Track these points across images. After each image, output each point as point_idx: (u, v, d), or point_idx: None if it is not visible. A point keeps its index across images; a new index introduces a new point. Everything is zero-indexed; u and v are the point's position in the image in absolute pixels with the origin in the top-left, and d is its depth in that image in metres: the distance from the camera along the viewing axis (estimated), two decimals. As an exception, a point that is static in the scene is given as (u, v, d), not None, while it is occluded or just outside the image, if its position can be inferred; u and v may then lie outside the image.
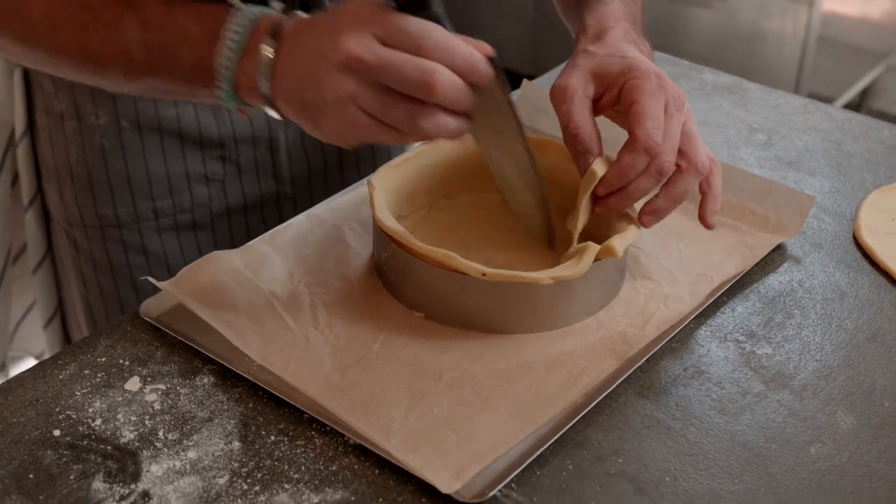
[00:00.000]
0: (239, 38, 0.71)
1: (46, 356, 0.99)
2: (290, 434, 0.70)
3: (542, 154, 0.91)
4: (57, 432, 0.70)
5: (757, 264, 0.87)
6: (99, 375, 0.75)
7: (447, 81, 0.67)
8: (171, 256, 1.02)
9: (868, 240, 0.90)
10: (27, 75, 1.00)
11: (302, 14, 0.73)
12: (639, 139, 0.75)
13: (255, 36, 0.71)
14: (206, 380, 0.75)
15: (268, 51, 0.70)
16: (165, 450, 0.69)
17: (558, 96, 0.79)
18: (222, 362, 0.75)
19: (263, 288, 0.82)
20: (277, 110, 0.72)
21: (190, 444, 0.69)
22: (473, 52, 0.69)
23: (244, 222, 1.06)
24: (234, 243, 1.04)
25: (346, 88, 0.67)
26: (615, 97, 0.78)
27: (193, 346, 0.77)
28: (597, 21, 0.84)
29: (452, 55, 0.68)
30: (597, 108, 0.80)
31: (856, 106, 2.90)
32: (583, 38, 0.84)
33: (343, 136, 0.70)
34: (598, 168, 0.77)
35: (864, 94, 2.91)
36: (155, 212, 1.01)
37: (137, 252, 1.01)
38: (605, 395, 0.73)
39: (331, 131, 0.70)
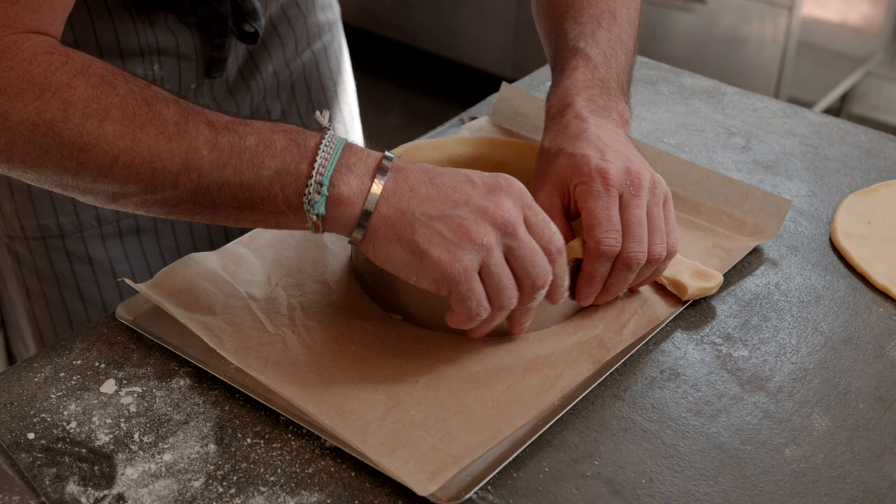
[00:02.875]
0: (334, 152, 0.69)
1: None
2: (267, 437, 0.70)
3: (520, 157, 0.91)
4: (31, 435, 0.70)
5: (734, 267, 0.88)
6: (74, 378, 0.74)
7: (545, 289, 0.72)
8: (117, 263, 1.01)
9: (844, 243, 0.91)
10: None
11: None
12: (590, 248, 0.77)
13: (351, 152, 0.70)
14: (182, 382, 0.75)
15: (387, 166, 0.70)
16: (141, 453, 0.69)
17: None
18: (199, 365, 0.75)
19: (241, 290, 0.81)
20: (364, 223, 0.70)
21: (165, 446, 0.69)
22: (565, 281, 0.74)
23: (188, 225, 1.05)
24: (178, 247, 1.03)
25: (488, 239, 0.69)
26: (576, 205, 0.79)
27: (170, 348, 0.77)
28: (557, 100, 0.86)
29: (560, 271, 0.73)
30: (572, 215, 0.81)
31: (835, 111, 2.92)
32: (545, 123, 0.86)
33: (437, 272, 0.69)
34: (576, 246, 0.78)
35: (844, 98, 2.92)
36: (98, 219, 1.00)
37: (82, 261, 1.00)
38: (581, 397, 0.73)
39: (430, 263, 0.69)
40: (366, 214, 0.69)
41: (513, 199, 0.70)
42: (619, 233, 0.77)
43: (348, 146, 0.70)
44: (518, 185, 0.72)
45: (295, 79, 1.07)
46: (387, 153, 0.71)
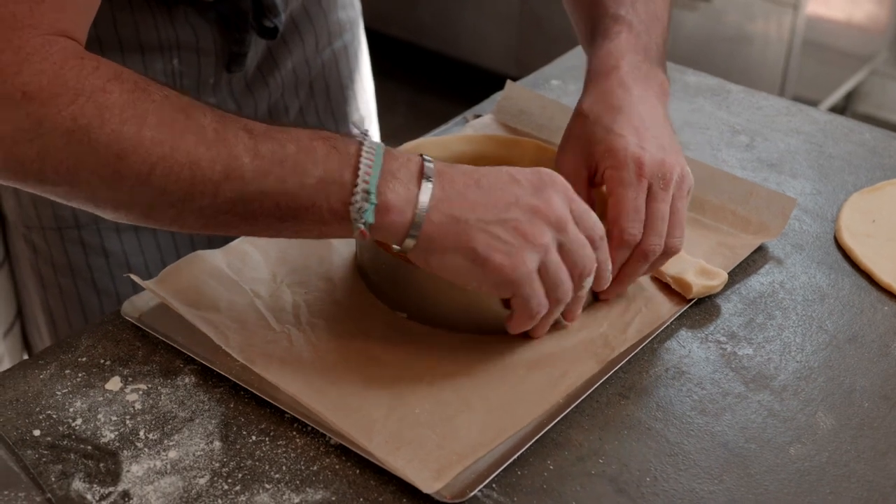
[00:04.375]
0: (376, 158, 0.68)
1: (5, 366, 0.98)
2: (272, 434, 0.70)
3: (525, 155, 0.91)
4: (37, 432, 0.70)
5: (739, 265, 0.88)
6: (80, 375, 0.75)
7: (592, 276, 0.74)
8: (132, 256, 1.01)
9: (849, 241, 0.91)
10: None
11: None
12: (614, 236, 0.77)
13: (391, 157, 0.69)
14: (187, 380, 0.75)
15: (430, 170, 0.69)
16: (146, 450, 0.69)
17: None
18: (204, 362, 0.75)
19: (246, 288, 0.82)
20: (416, 233, 0.69)
21: (171, 444, 0.69)
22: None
23: None
24: (192, 243, 1.04)
25: (545, 239, 0.70)
26: (601, 180, 0.79)
27: (175, 345, 0.77)
28: (601, 61, 0.85)
29: (604, 257, 0.75)
30: (592, 183, 0.82)
31: (840, 109, 2.91)
32: (586, 83, 0.85)
33: (501, 277, 0.69)
34: None
35: (849, 97, 2.92)
36: None
37: (97, 253, 1.00)
38: (586, 395, 0.73)
39: (492, 269, 0.69)
40: (416, 223, 0.68)
41: (559, 195, 0.71)
42: (642, 223, 0.77)
43: (388, 152, 0.69)
44: (560, 179, 0.72)
45: (314, 76, 1.07)
46: (425, 157, 0.70)
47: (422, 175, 0.69)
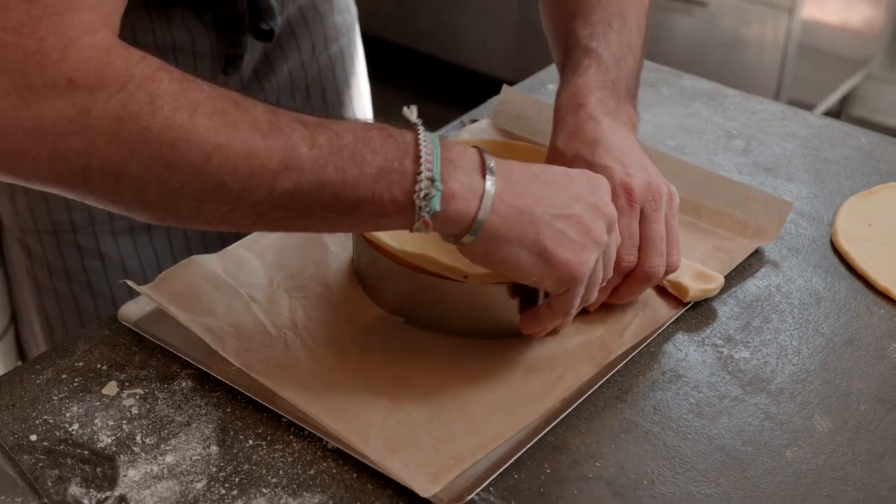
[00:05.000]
0: (433, 147, 0.67)
1: None
2: (269, 438, 0.70)
3: (521, 159, 0.91)
4: (34, 437, 0.70)
5: (735, 269, 0.88)
6: (76, 380, 0.75)
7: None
8: (127, 259, 1.01)
9: (845, 245, 0.91)
10: None
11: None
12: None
13: (447, 147, 0.68)
14: (184, 384, 0.75)
15: (491, 162, 0.68)
16: (143, 454, 0.69)
17: None
18: (200, 367, 0.75)
19: (242, 292, 0.82)
20: (479, 226, 0.67)
21: (167, 448, 0.69)
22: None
23: None
24: (188, 246, 1.04)
25: (604, 238, 0.71)
26: None
27: (171, 350, 0.77)
28: (568, 98, 0.84)
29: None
30: None
31: (836, 113, 2.92)
32: (555, 120, 0.85)
33: (565, 273, 0.70)
34: None
35: (844, 101, 2.93)
36: (110, 214, 0.98)
37: (93, 256, 1.00)
38: (583, 399, 0.73)
39: (557, 264, 0.69)
40: (481, 214, 0.67)
41: (609, 195, 0.73)
42: (637, 248, 0.78)
43: (443, 141, 0.68)
44: (605, 180, 0.74)
45: (310, 81, 1.07)
46: (482, 149, 0.69)
47: (483, 166, 0.68)
